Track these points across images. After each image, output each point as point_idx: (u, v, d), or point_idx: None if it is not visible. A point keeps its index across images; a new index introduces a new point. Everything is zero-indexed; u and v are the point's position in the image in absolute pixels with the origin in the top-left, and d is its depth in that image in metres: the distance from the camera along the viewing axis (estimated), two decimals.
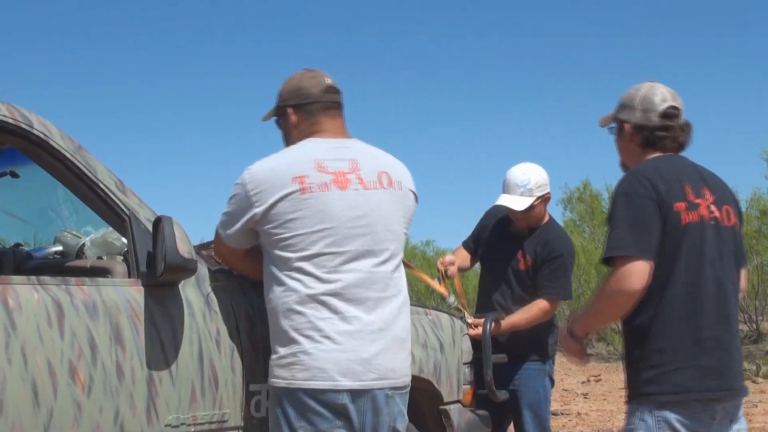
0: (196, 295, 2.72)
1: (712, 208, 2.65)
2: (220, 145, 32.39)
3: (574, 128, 28.52)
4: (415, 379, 3.21)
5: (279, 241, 2.60)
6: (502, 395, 3.87)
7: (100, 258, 3.22)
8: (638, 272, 2.51)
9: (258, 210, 2.61)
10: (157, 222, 2.58)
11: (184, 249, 2.53)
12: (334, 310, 2.56)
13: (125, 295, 2.57)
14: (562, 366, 11.52)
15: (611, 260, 2.58)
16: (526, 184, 3.96)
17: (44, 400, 2.34)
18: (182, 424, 2.60)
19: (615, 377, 11.04)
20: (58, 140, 2.62)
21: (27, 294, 2.38)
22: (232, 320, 2.76)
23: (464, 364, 3.57)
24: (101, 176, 2.67)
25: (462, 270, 4.29)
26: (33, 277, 2.45)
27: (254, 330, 2.80)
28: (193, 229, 2.72)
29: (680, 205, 2.59)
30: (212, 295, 2.76)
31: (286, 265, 2.60)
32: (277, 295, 2.60)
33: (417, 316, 3.38)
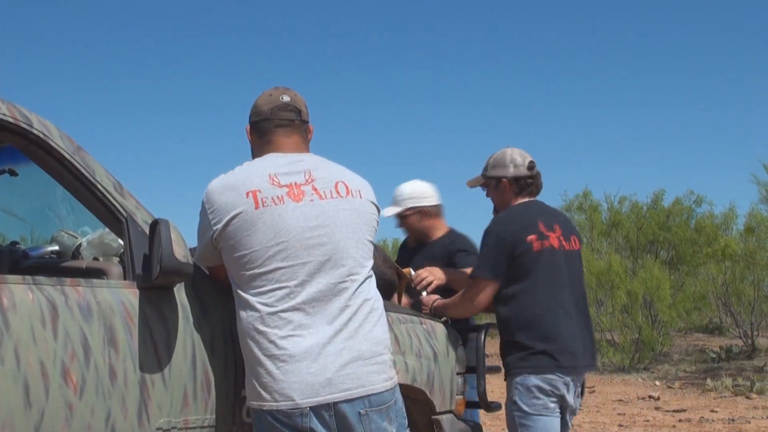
0: (191, 299, 2.72)
1: (561, 238, 3.61)
2: (220, 147, 32.36)
3: (574, 136, 28.54)
4: (408, 389, 3.22)
5: (237, 258, 2.59)
6: (495, 407, 3.86)
7: (96, 259, 3.23)
8: (490, 289, 3.56)
9: (216, 228, 2.61)
10: (154, 225, 2.58)
11: (180, 253, 2.53)
12: (296, 326, 2.52)
13: (120, 297, 2.56)
14: None
15: (474, 276, 3.60)
16: (399, 195, 4.39)
17: (36, 400, 2.33)
18: (173, 427, 2.60)
19: (609, 389, 11.03)
20: (57, 140, 2.62)
21: (21, 293, 2.37)
22: (227, 325, 2.76)
23: (457, 374, 3.57)
24: (99, 177, 2.67)
25: None
26: (28, 277, 2.44)
27: None
28: (190, 233, 2.72)
29: (532, 237, 3.52)
30: (207, 300, 2.76)
31: (246, 283, 2.58)
32: (242, 316, 2.59)
33: (411, 325, 3.38)
